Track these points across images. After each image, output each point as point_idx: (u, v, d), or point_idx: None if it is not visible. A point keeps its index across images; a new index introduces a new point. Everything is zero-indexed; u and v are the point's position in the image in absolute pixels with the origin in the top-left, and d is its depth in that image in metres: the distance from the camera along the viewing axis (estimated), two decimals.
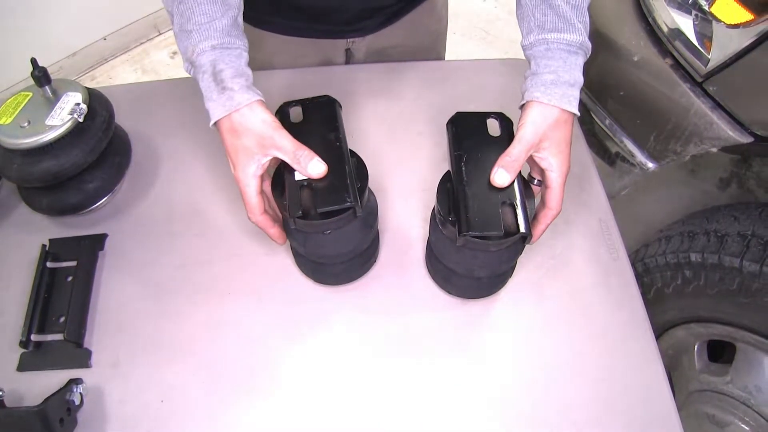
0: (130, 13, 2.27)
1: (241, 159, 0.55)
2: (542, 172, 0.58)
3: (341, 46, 0.90)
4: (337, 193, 0.54)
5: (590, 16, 0.60)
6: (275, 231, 0.60)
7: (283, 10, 0.82)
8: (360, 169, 0.58)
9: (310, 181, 0.54)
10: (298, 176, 0.55)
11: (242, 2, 0.60)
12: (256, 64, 0.63)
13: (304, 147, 0.54)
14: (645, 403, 0.60)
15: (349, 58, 0.94)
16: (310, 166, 0.54)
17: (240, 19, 0.59)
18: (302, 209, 0.53)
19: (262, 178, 0.57)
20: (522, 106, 0.59)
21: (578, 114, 0.58)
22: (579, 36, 0.57)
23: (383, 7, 0.84)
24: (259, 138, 0.55)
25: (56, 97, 0.67)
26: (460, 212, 0.52)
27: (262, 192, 0.58)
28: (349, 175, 0.55)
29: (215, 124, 0.56)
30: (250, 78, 0.57)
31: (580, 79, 0.58)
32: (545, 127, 0.56)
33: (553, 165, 0.57)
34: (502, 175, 0.54)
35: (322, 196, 0.54)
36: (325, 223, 0.54)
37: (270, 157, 0.56)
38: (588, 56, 0.60)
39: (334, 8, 0.82)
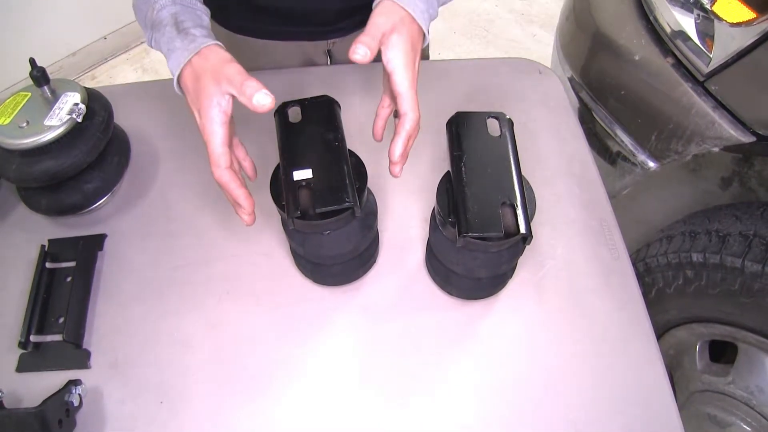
0: (131, 13, 2.25)
1: (202, 103, 0.52)
2: (390, 79, 0.56)
3: (322, 48, 0.90)
4: (336, 193, 0.53)
5: (591, 15, 0.60)
6: (241, 192, 0.55)
7: (259, 14, 0.82)
8: (359, 169, 0.58)
9: (308, 181, 0.54)
10: (296, 176, 0.55)
11: None
12: None
13: (253, 78, 0.51)
14: (646, 404, 0.59)
15: (331, 60, 0.94)
16: (256, 97, 0.50)
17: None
18: (300, 209, 0.53)
19: (229, 129, 0.54)
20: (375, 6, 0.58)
21: (424, 29, 0.58)
22: None
23: (362, 6, 0.83)
24: (215, 74, 0.52)
25: (55, 97, 0.67)
26: (460, 213, 0.52)
27: (228, 142, 0.54)
28: (348, 175, 0.55)
29: (178, 79, 0.55)
30: (212, 36, 0.57)
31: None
32: (393, 18, 0.56)
33: (397, 64, 0.55)
34: (361, 49, 0.53)
35: (320, 196, 0.53)
36: (324, 223, 0.54)
37: (228, 97, 0.52)
38: None
39: (310, 10, 0.82)
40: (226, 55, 0.54)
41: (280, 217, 0.62)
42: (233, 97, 0.52)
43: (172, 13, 0.56)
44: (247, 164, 0.61)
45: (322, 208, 0.52)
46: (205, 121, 0.53)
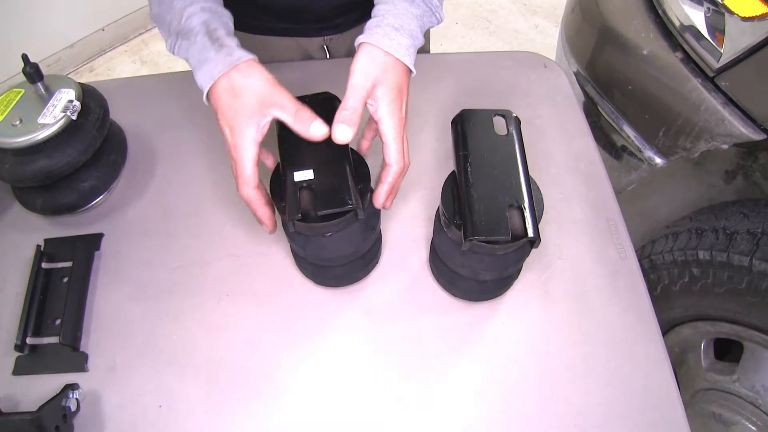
0: (129, 4, 2.24)
1: (240, 121, 0.52)
2: (376, 126, 0.55)
3: (319, 44, 0.89)
4: (338, 194, 0.52)
5: (598, 8, 0.59)
6: (266, 212, 0.56)
7: (255, 10, 0.80)
8: (361, 169, 0.56)
9: (309, 182, 0.53)
10: (297, 177, 0.53)
11: None
12: None
13: (305, 107, 0.52)
14: (653, 408, 0.58)
15: (329, 56, 0.92)
16: (312, 128, 0.51)
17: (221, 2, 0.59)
18: (302, 211, 0.51)
19: (260, 147, 0.54)
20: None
21: (408, 65, 0.55)
22: None
23: (358, 3, 0.82)
24: (260, 95, 0.52)
25: (49, 93, 0.65)
26: (466, 216, 0.51)
27: (258, 164, 0.54)
28: (350, 176, 0.53)
29: (209, 91, 0.54)
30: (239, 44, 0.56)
31: (411, 28, 0.55)
32: (375, 70, 0.53)
33: (384, 115, 0.54)
34: (343, 131, 0.51)
35: (322, 197, 0.52)
36: (326, 225, 0.53)
37: (269, 119, 0.53)
38: (435, 18, 0.58)
39: (303, 7, 0.80)
40: (270, 76, 0.53)
41: (280, 217, 0.60)
42: (272, 120, 0.53)
43: (203, 21, 0.54)
44: (265, 212, 0.59)
45: (324, 211, 0.51)
46: (238, 140, 0.52)
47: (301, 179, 0.53)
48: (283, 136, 0.56)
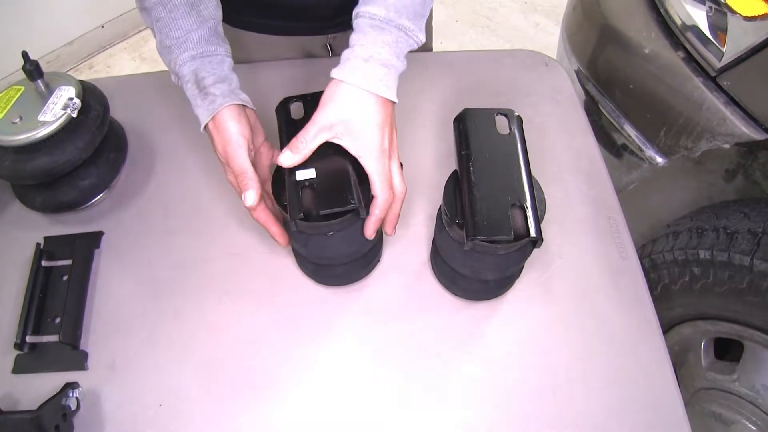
0: (128, 1, 2.23)
1: (230, 144, 0.56)
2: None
3: (321, 42, 0.88)
4: (340, 194, 0.52)
5: (599, 6, 0.58)
6: (277, 229, 0.60)
7: (256, 8, 0.80)
8: (363, 168, 0.56)
9: (311, 181, 0.53)
10: (299, 176, 0.53)
11: (220, 12, 0.61)
12: (237, 62, 0.63)
13: (249, 173, 0.55)
14: (653, 407, 0.58)
15: (332, 54, 0.92)
16: (245, 194, 0.55)
17: (220, 27, 0.61)
18: (304, 210, 0.51)
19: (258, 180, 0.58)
20: None
21: (385, 95, 0.54)
22: (384, 11, 0.53)
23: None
24: (221, 149, 0.57)
25: (49, 91, 0.65)
26: (468, 215, 0.50)
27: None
28: (352, 175, 0.53)
29: (205, 128, 0.58)
30: (234, 82, 0.59)
31: (383, 57, 0.54)
32: (338, 109, 0.53)
33: (360, 151, 0.53)
34: (287, 156, 0.53)
35: (324, 197, 0.52)
36: (328, 225, 0.53)
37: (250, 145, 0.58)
38: (413, 40, 0.56)
39: (308, 5, 0.80)
40: (247, 120, 0.58)
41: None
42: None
43: (193, 69, 0.57)
44: (276, 230, 0.62)
45: (326, 210, 0.51)
46: (234, 165, 0.56)
47: (303, 178, 0.53)
48: (285, 133, 0.56)
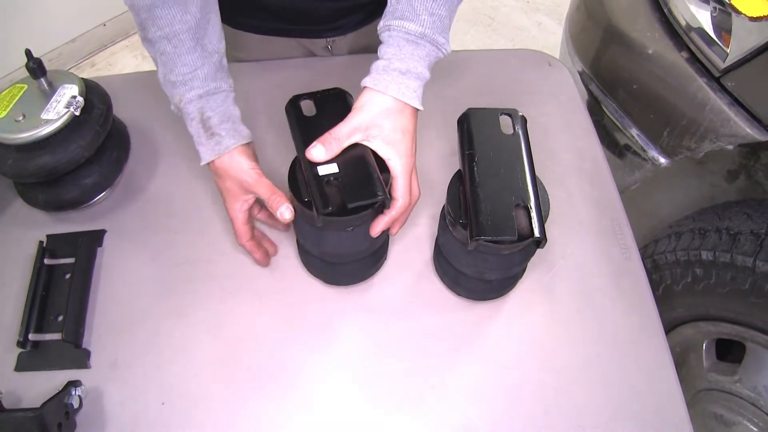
0: None
1: (227, 199, 0.61)
2: (386, 163, 0.57)
3: (321, 45, 0.88)
4: (365, 187, 0.52)
5: (603, 6, 0.58)
6: (260, 254, 0.65)
7: (256, 11, 0.80)
8: (379, 163, 0.56)
9: (335, 175, 0.52)
10: (321, 171, 0.53)
11: (224, 45, 0.62)
12: (237, 62, 0.65)
13: (278, 192, 0.57)
14: (656, 410, 0.58)
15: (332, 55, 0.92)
16: (281, 210, 0.56)
17: (224, 60, 0.62)
18: (331, 205, 0.51)
19: (250, 211, 0.63)
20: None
21: (416, 106, 0.56)
22: (420, 27, 0.55)
23: (361, 5, 0.82)
24: (240, 182, 0.59)
25: (52, 89, 0.65)
26: (472, 215, 0.50)
27: (249, 221, 0.63)
28: (374, 168, 0.53)
29: (209, 163, 0.60)
30: (237, 118, 0.61)
31: (418, 71, 0.56)
32: (373, 114, 0.55)
33: (390, 154, 0.55)
34: (318, 150, 0.53)
35: (350, 190, 0.51)
36: (355, 218, 0.52)
37: (251, 197, 0.61)
38: (442, 53, 0.58)
39: (305, 9, 0.80)
40: (250, 164, 0.59)
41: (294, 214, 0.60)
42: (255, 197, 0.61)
43: (198, 108, 0.59)
44: (259, 255, 0.66)
45: (355, 203, 0.51)
46: (228, 208, 0.62)
47: (326, 173, 0.52)
48: (299, 130, 0.55)
